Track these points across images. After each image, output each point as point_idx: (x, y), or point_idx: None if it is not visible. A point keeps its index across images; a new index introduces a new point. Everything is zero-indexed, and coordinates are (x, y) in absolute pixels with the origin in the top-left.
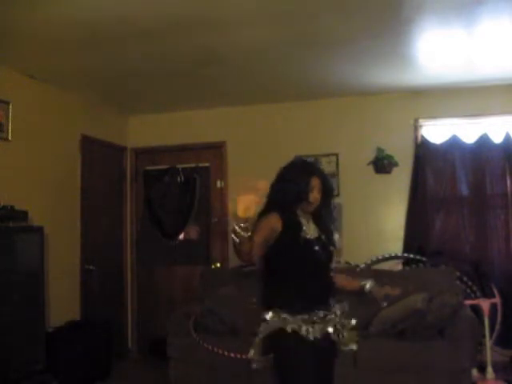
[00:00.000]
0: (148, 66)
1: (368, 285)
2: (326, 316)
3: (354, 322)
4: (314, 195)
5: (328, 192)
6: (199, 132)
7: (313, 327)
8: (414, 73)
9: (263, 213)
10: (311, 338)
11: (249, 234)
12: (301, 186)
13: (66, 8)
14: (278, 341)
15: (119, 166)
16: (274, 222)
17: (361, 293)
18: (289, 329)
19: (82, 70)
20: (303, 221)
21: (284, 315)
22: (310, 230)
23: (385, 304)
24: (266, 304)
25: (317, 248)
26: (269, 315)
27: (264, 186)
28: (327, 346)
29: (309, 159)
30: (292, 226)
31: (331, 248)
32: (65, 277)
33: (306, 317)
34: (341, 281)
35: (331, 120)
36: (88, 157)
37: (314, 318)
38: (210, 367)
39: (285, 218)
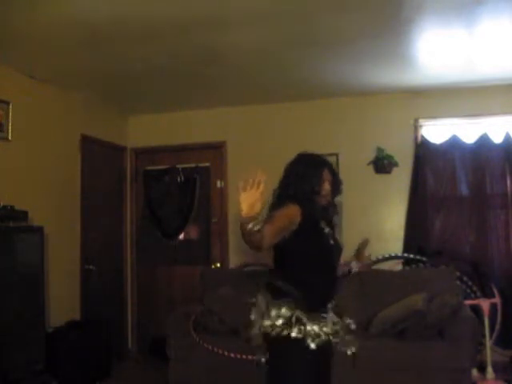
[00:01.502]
0: (148, 65)
1: (354, 267)
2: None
3: (353, 326)
4: (326, 188)
5: (337, 184)
6: (199, 132)
7: (318, 328)
8: (414, 73)
9: (276, 206)
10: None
11: (258, 227)
12: (313, 180)
13: (66, 8)
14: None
15: (119, 166)
16: (294, 213)
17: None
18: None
19: (82, 69)
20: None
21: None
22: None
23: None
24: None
25: (332, 242)
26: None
27: (263, 176)
28: (326, 347)
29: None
30: (312, 219)
31: (341, 244)
32: (65, 277)
33: (314, 314)
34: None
35: (331, 120)
36: (88, 157)
37: (321, 317)
38: (210, 367)
39: (304, 210)
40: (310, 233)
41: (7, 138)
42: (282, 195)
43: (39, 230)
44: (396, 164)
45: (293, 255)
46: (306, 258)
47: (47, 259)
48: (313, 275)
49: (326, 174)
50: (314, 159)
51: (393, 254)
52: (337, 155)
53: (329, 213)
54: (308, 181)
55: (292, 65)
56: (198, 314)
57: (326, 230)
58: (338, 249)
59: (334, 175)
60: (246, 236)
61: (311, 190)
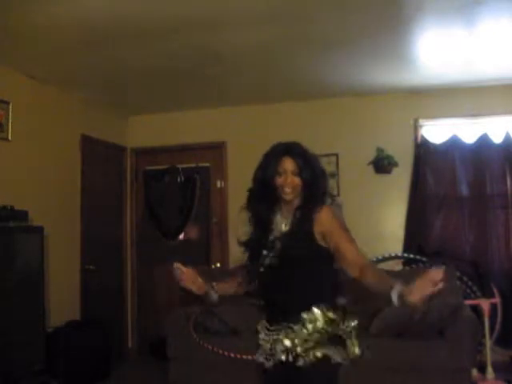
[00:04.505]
0: (148, 66)
1: (394, 296)
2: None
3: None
4: (285, 180)
5: (309, 177)
6: (199, 132)
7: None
8: (414, 73)
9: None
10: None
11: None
12: (267, 171)
13: (66, 8)
14: None
15: (119, 166)
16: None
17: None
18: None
19: (82, 69)
20: (276, 216)
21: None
22: (278, 227)
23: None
24: None
25: (264, 253)
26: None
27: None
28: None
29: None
30: (254, 225)
31: (291, 251)
32: (65, 277)
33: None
34: (371, 278)
35: (331, 120)
36: (88, 157)
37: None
38: (210, 367)
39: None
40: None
41: (7, 138)
42: (254, 192)
43: (39, 230)
44: (396, 164)
45: None
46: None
47: (47, 259)
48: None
49: (287, 164)
50: (275, 148)
51: (393, 254)
52: (337, 155)
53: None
54: (261, 173)
55: (292, 65)
56: (198, 314)
57: (275, 235)
58: (278, 257)
59: (301, 165)
60: None
61: (262, 185)
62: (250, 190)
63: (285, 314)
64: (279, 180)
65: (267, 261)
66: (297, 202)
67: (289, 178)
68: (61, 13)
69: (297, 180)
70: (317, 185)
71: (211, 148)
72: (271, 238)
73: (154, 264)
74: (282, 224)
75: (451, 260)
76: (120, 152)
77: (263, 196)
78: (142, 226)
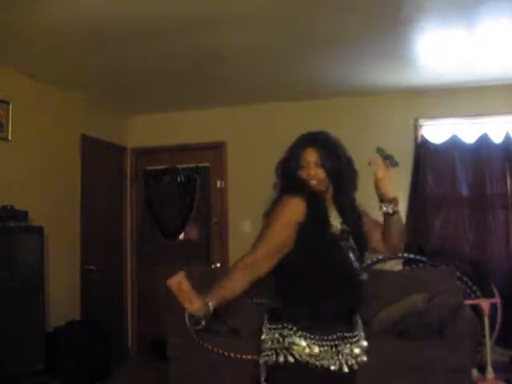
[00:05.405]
0: (148, 65)
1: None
2: (345, 338)
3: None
4: (307, 173)
5: (334, 170)
6: (199, 132)
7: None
8: (414, 73)
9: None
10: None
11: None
12: (289, 165)
13: (66, 8)
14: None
15: (119, 166)
16: (295, 210)
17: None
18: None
19: (82, 69)
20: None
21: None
22: (335, 221)
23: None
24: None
25: (343, 244)
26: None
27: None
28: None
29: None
30: (317, 214)
31: (360, 246)
32: (65, 277)
33: (322, 337)
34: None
35: (331, 120)
36: (88, 157)
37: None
38: (210, 367)
39: (309, 203)
40: (316, 235)
41: (7, 138)
42: (281, 187)
43: (39, 230)
44: (396, 164)
45: (296, 264)
46: (310, 267)
47: (47, 259)
48: (316, 287)
49: (310, 155)
50: (300, 137)
51: None
52: None
53: (338, 204)
54: (284, 164)
55: (292, 65)
56: None
57: (336, 228)
58: (355, 252)
59: (324, 157)
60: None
61: (284, 176)
62: (276, 184)
63: (352, 314)
64: (303, 174)
65: (350, 256)
66: (330, 193)
67: (312, 171)
68: (61, 13)
69: (320, 172)
70: (342, 175)
71: (211, 148)
72: (334, 230)
73: (154, 264)
74: (334, 217)
75: (451, 260)
76: (120, 152)
77: (291, 188)
78: (142, 226)
